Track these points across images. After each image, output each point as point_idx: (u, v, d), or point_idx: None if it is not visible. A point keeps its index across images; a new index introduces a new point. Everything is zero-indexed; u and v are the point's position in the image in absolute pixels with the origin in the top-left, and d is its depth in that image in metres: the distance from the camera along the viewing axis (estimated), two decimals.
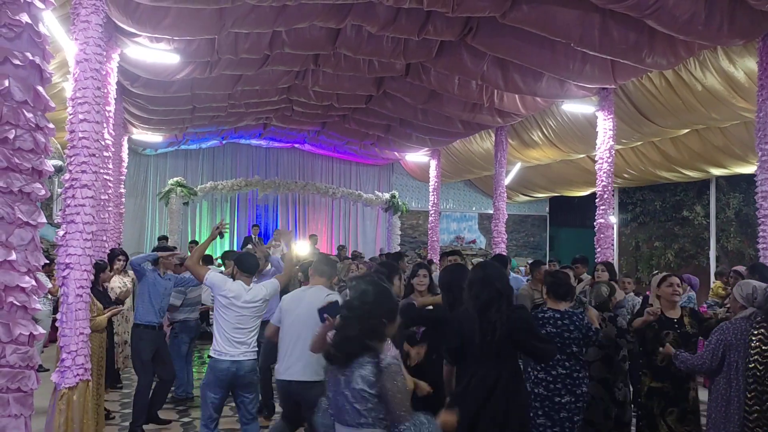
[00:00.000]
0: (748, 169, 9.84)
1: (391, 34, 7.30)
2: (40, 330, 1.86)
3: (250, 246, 13.41)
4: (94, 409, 4.86)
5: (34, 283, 1.85)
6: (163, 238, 12.25)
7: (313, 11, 6.60)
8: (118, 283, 6.76)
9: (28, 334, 1.81)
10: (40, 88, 1.98)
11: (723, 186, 12.47)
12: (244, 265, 4.62)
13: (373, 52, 7.95)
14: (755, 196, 6.62)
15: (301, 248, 12.89)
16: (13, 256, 1.80)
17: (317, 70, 9.06)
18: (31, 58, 1.94)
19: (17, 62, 1.90)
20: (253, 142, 15.33)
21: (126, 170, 12.29)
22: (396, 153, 15.06)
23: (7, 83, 1.86)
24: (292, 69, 9.00)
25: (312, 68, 9.01)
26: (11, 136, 1.85)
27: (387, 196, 16.06)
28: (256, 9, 6.42)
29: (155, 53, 7.31)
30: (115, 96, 7.24)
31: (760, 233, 6.54)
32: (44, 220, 1.95)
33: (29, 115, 1.91)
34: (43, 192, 1.94)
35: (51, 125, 2.03)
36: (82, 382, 4.49)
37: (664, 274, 4.46)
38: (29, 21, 1.95)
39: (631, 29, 6.42)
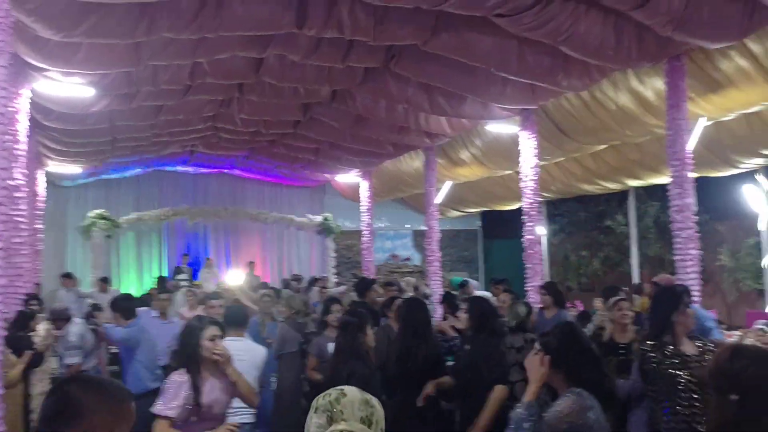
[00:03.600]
0: (663, 179, 10.35)
1: (314, 62, 7.29)
2: None
3: (182, 275, 13.05)
4: None
5: None
6: (67, 276, 11.64)
7: (232, 42, 6.51)
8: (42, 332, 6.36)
9: None
10: None
11: (641, 195, 13.05)
12: (234, 318, 4.39)
13: (297, 79, 7.91)
14: (669, 209, 6.98)
15: (235, 278, 12.61)
16: None
17: (242, 98, 8.93)
18: None
19: None
20: (180, 168, 14.89)
21: (43, 205, 11.77)
22: (327, 175, 15.01)
23: None
24: (215, 98, 8.84)
25: (237, 96, 8.87)
26: None
27: (319, 218, 15.94)
28: (174, 41, 6.27)
29: (68, 87, 7.01)
30: (28, 132, 6.89)
31: (676, 244, 6.88)
32: None
33: None
34: None
35: None
36: None
37: (617, 298, 4.59)
38: None
39: (546, 54, 6.65)
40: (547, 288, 6.64)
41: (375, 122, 9.83)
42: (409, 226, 17.92)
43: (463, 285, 8.74)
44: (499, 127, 9.67)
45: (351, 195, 16.03)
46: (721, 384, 1.87)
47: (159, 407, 3.13)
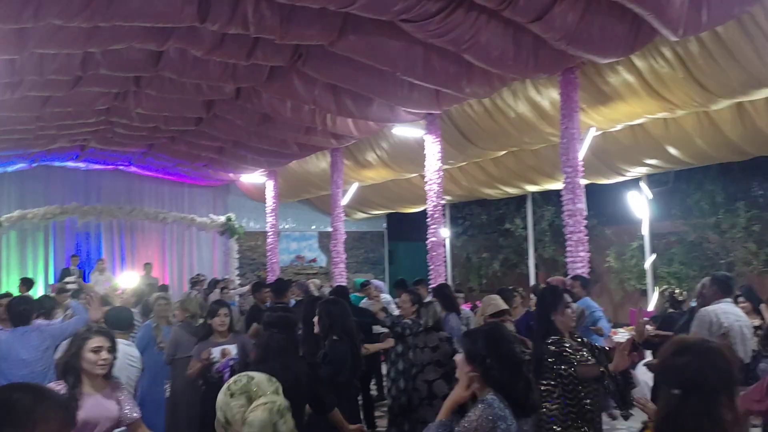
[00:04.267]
0: (557, 185, 10.89)
1: (218, 59, 7.07)
2: None
3: (70, 278, 12.24)
4: None
5: None
6: None
7: (129, 33, 6.17)
8: None
9: None
10: None
11: (538, 200, 13.66)
12: (119, 322, 4.22)
13: (200, 75, 7.64)
14: (562, 213, 7.34)
15: (129, 279, 12.01)
16: None
17: (139, 91, 8.49)
18: None
19: None
20: (69, 164, 13.96)
21: None
22: (231, 174, 14.61)
23: None
24: (110, 90, 8.36)
25: (133, 89, 8.42)
26: None
27: (222, 218, 15.48)
28: (64, 29, 5.86)
29: None
30: None
31: (568, 246, 7.26)
32: None
33: None
34: None
35: None
36: None
37: (503, 308, 4.72)
38: None
39: (451, 61, 6.82)
40: (436, 292, 6.61)
41: (281, 122, 9.67)
42: (314, 227, 17.79)
43: (364, 285, 8.76)
44: (405, 131, 9.81)
45: (256, 195, 15.71)
46: (665, 378, 1.92)
47: None
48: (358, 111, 8.67)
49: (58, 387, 2.93)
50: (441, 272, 9.25)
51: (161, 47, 6.64)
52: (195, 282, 11.65)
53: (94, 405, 2.98)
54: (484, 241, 15.37)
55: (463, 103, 8.70)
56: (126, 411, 3.09)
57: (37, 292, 11.55)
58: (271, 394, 1.85)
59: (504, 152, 10.56)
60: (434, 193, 9.15)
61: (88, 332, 3.11)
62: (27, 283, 9.98)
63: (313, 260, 17.50)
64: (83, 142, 11.70)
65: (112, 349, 3.09)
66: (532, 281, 12.46)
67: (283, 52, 6.98)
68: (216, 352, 4.59)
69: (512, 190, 12.64)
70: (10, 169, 13.28)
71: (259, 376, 1.91)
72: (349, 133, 10.07)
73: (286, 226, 16.88)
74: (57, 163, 13.79)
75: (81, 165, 14.06)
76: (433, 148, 9.10)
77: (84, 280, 12.58)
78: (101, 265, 12.91)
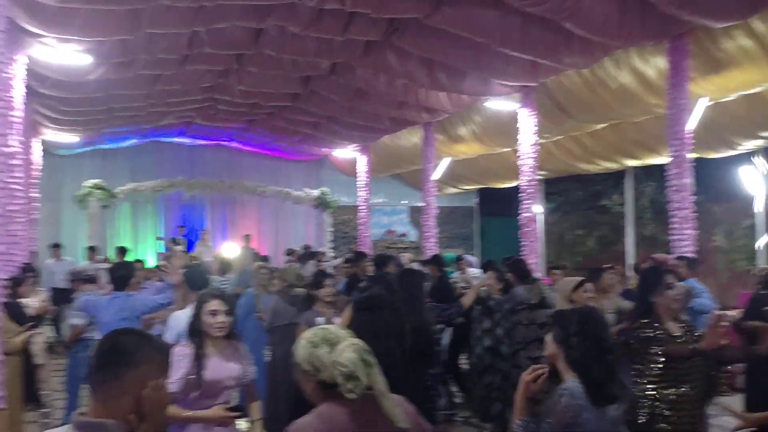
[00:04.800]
0: (661, 160, 10.34)
1: (315, 34, 7.20)
2: None
3: (178, 247, 13.02)
4: None
5: None
6: (55, 246, 11.55)
7: (232, 11, 6.43)
8: (31, 302, 6.37)
9: None
10: None
11: (639, 175, 13.05)
12: (194, 282, 4.18)
13: (297, 51, 7.83)
14: (667, 188, 6.99)
15: (231, 250, 12.63)
16: None
17: (241, 69, 8.83)
18: None
19: None
20: (176, 139, 14.79)
21: (39, 173, 11.69)
22: (324, 149, 14.94)
23: None
24: (214, 68, 8.75)
25: (236, 67, 8.78)
26: None
27: (317, 192, 15.89)
28: (173, 9, 6.18)
29: (64, 54, 6.92)
30: (23, 100, 6.82)
31: (672, 224, 6.92)
32: None
33: None
34: None
35: None
36: None
37: (580, 279, 4.52)
38: None
39: (550, 31, 6.60)
40: (510, 266, 6.23)
41: (374, 96, 9.76)
42: (405, 202, 17.91)
43: (459, 260, 8.77)
44: (499, 104, 9.63)
45: (348, 170, 15.99)
46: None
47: None
48: (452, 85, 8.59)
49: (185, 348, 3.08)
50: (534, 249, 9.08)
51: (261, 24, 6.86)
52: (290, 253, 12.11)
53: (217, 365, 3.10)
54: (579, 218, 14.89)
55: (560, 75, 8.41)
56: (245, 371, 3.22)
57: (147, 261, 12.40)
58: (349, 337, 1.96)
59: (603, 125, 10.13)
60: (528, 167, 8.95)
61: (205, 296, 3.21)
62: (122, 251, 10.57)
63: (404, 235, 17.65)
64: (189, 118, 12.34)
65: (230, 312, 3.17)
66: (630, 260, 11.99)
67: (378, 26, 7.02)
68: (320, 322, 4.76)
69: (611, 165, 12.14)
70: (123, 144, 14.24)
71: (330, 326, 2.05)
72: (442, 107, 10.01)
73: (378, 201, 17.10)
74: (165, 139, 14.64)
75: (186, 140, 14.86)
76: (528, 122, 8.88)
77: (189, 249, 13.36)
78: (205, 236, 13.65)
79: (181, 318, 3.84)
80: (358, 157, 14.30)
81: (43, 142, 11.98)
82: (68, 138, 12.06)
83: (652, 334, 3.29)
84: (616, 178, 13.52)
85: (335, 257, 13.22)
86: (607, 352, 2.37)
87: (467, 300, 5.41)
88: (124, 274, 5.06)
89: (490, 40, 6.75)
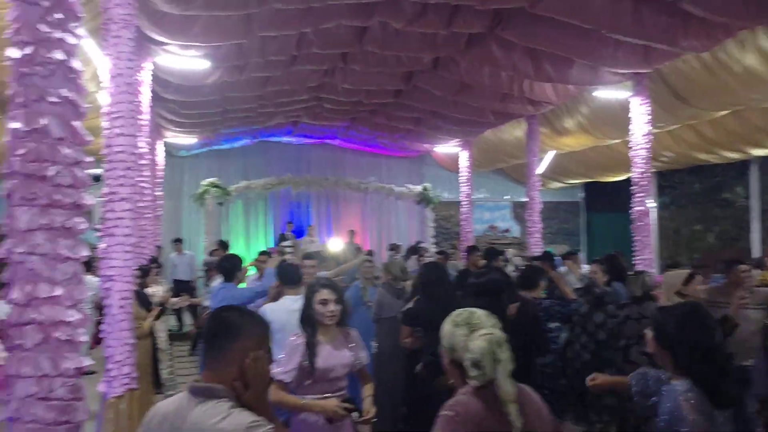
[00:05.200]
0: None
1: (418, 29, 7.24)
2: (87, 362, 1.90)
3: (286, 242, 13.56)
4: (142, 416, 4.97)
5: (79, 316, 1.90)
6: (178, 241, 12.31)
7: (338, 11, 6.59)
8: (155, 291, 6.88)
9: (74, 367, 1.86)
10: (76, 124, 2.01)
11: (765, 165, 12.08)
12: (287, 276, 4.35)
13: (401, 47, 7.89)
14: None
15: (335, 244, 12.98)
16: (58, 291, 1.84)
17: (345, 67, 9.04)
18: (66, 94, 1.97)
19: (53, 99, 1.93)
20: (284, 139, 15.41)
21: (162, 173, 12.59)
22: (426, 145, 14.99)
23: (44, 121, 1.90)
24: (320, 68, 9.01)
25: (340, 66, 8.99)
26: (51, 173, 1.89)
27: (419, 188, 15.98)
28: (282, 12, 6.43)
29: (185, 60, 7.40)
30: (150, 104, 7.38)
31: None
32: (87, 252, 1.99)
33: (67, 151, 1.95)
34: (83, 226, 1.98)
35: (89, 158, 2.06)
36: (129, 391, 4.61)
37: (690, 271, 4.26)
38: (63, 57, 1.98)
39: (664, 13, 6.24)
40: (606, 261, 6.12)
41: (477, 90, 9.66)
42: (508, 197, 17.62)
43: (570, 255, 8.55)
44: (608, 93, 9.23)
45: (450, 165, 15.95)
46: None
47: (275, 371, 2.95)
48: (558, 75, 8.32)
49: (297, 338, 3.18)
50: (647, 244, 8.63)
51: (366, 22, 6.98)
52: (393, 248, 12.27)
53: (329, 353, 3.18)
54: (697, 212, 13.99)
55: (676, 60, 7.93)
56: (357, 357, 3.30)
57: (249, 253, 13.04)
58: (490, 327, 2.01)
59: (725, 112, 9.46)
60: (641, 159, 8.51)
61: (315, 285, 3.29)
62: (223, 245, 10.94)
63: (507, 230, 17.38)
64: (296, 117, 12.80)
65: (339, 301, 3.24)
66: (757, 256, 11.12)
67: (482, 18, 6.94)
68: None
69: (733, 155, 11.30)
70: (236, 144, 15.04)
71: (479, 311, 2.09)
72: (547, 98, 9.73)
73: (480, 196, 16.94)
74: (274, 138, 15.29)
75: (293, 140, 15.44)
76: (640, 111, 8.44)
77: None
78: (311, 231, 14.14)
79: (271, 310, 4.01)
80: (459, 153, 14.23)
81: (166, 144, 12.86)
82: (187, 140, 12.88)
83: None
84: (739, 168, 12.59)
85: (437, 252, 13.22)
86: (716, 351, 2.23)
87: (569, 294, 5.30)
88: (230, 266, 5.37)
89: (599, 26, 6.47)
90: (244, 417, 1.65)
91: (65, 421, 1.86)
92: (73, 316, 1.90)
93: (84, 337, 1.95)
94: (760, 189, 12.17)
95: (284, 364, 3.10)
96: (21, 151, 1.91)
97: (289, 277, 4.34)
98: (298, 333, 3.23)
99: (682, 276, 4.26)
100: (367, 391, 3.34)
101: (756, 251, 11.74)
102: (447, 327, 2.06)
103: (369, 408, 3.16)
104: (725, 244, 13.25)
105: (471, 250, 8.82)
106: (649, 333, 2.39)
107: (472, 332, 1.97)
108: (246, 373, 1.73)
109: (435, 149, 15.36)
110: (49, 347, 1.85)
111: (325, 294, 3.21)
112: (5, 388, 1.87)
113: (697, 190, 13.96)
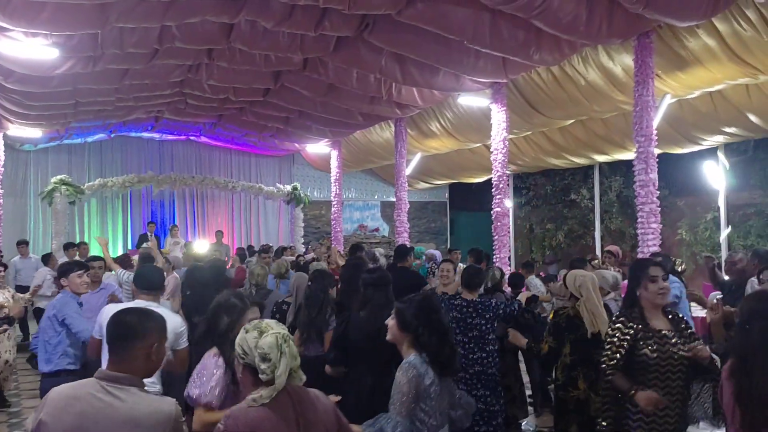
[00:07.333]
0: (627, 155, 10.57)
1: (287, 30, 7.18)
2: None
3: (147, 243, 12.83)
4: None
5: None
6: (23, 243, 11.06)
7: (204, 6, 6.37)
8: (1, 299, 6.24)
9: None
10: None
11: (605, 170, 13.32)
12: (145, 281, 3.83)
13: (269, 46, 7.79)
14: (634, 184, 7.16)
15: (200, 246, 12.50)
16: None
17: (211, 64, 8.74)
18: None
19: None
20: (145, 135, 14.57)
21: (2, 169, 11.45)
22: (296, 144, 14.88)
23: None
24: (184, 63, 8.65)
25: (206, 62, 8.69)
26: None
27: (288, 188, 15.83)
28: (143, 3, 6.11)
29: (31, 48, 6.78)
30: None
31: (639, 218, 7.09)
32: None
33: None
34: None
35: None
36: None
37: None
38: None
39: (520, 28, 6.70)
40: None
41: (346, 92, 9.76)
42: (377, 197, 17.96)
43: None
44: (470, 100, 9.72)
45: (320, 165, 15.97)
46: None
47: (197, 394, 2.80)
48: (424, 80, 8.65)
49: (214, 358, 2.92)
50: (505, 242, 9.21)
51: (233, 19, 6.80)
52: (265, 249, 12.00)
53: None
54: (549, 212, 15.13)
55: (530, 71, 8.54)
56: None
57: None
58: (278, 328, 2.19)
59: (572, 121, 10.32)
60: (499, 162, 9.07)
61: (244, 302, 3.14)
62: (70, 247, 10.17)
63: (376, 230, 17.71)
64: (158, 113, 12.17)
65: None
66: (598, 253, 12.23)
67: (350, 22, 7.02)
68: None
69: (579, 160, 12.37)
70: (90, 139, 13.99)
71: (269, 320, 2.28)
72: (414, 102, 10.07)
73: (350, 196, 17.12)
74: (133, 134, 14.42)
75: (155, 135, 14.65)
76: (498, 118, 9.00)
77: (159, 246, 13.18)
78: (174, 231, 13.49)
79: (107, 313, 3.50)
80: (330, 152, 14.29)
81: (6, 137, 11.71)
82: (33, 133, 11.79)
83: (634, 330, 3.19)
84: (584, 172, 13.79)
85: (306, 252, 13.19)
86: (448, 332, 2.90)
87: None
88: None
89: (461, 37, 6.81)
90: (168, 400, 2.07)
91: None
92: None
93: None
94: (600, 191, 13.41)
95: (207, 384, 2.84)
96: None
97: (148, 283, 3.85)
98: (215, 351, 2.96)
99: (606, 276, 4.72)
100: None
101: (598, 249, 12.92)
102: (239, 336, 2.19)
103: None
104: (573, 242, 14.45)
105: (353, 249, 8.28)
106: (390, 321, 2.90)
107: (262, 334, 2.13)
108: (151, 363, 2.09)
109: (305, 149, 15.31)
110: None
111: (256, 313, 3.17)
112: None
113: (548, 191, 15.09)
